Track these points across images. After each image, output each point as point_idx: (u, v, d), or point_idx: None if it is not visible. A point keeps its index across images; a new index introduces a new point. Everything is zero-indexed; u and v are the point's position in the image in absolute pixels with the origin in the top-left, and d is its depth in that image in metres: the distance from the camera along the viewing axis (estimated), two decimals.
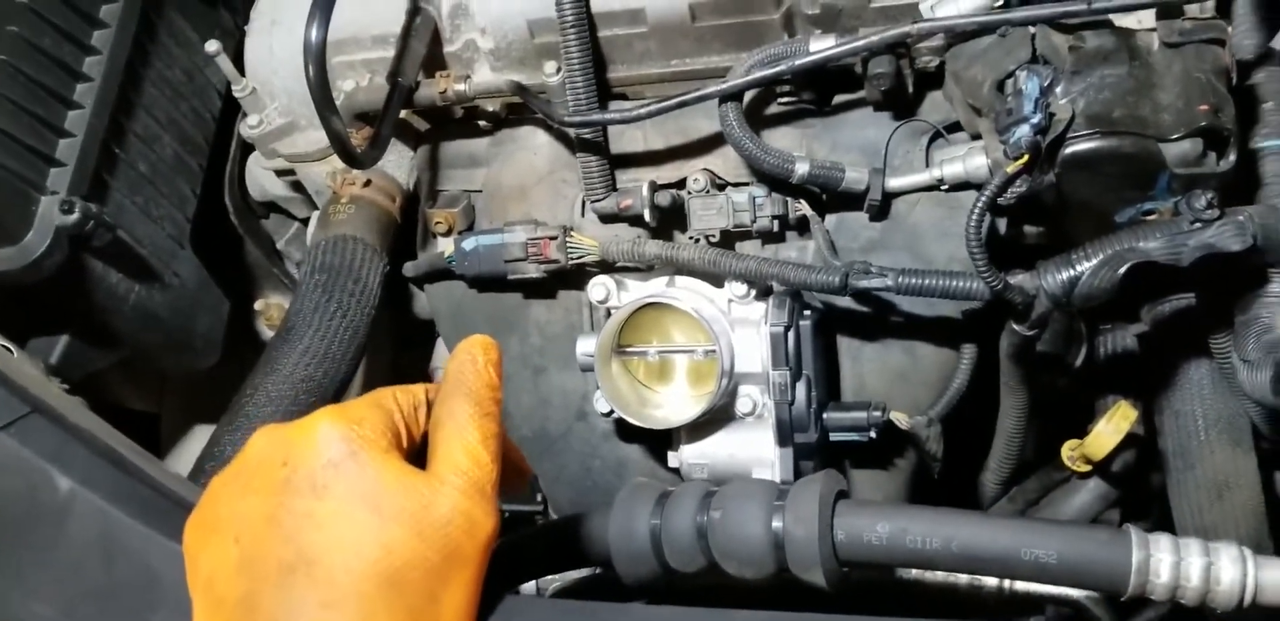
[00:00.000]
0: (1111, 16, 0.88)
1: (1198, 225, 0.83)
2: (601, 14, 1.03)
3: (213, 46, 1.12)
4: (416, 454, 0.63)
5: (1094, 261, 0.85)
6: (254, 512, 0.58)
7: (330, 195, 1.16)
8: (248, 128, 1.16)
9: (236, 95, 1.16)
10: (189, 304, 1.20)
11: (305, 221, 1.35)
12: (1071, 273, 0.85)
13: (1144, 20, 0.88)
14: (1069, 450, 1.04)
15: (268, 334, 1.41)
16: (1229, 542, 0.66)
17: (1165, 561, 0.65)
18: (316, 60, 0.90)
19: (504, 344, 1.09)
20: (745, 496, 0.70)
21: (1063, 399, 1.09)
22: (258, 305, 1.41)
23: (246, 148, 1.25)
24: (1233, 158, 0.84)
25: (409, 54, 1.06)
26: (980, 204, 0.84)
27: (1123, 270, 0.82)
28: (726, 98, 0.97)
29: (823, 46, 0.94)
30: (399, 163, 1.18)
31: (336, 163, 1.16)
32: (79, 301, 1.06)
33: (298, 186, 1.26)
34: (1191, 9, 0.86)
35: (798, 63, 0.94)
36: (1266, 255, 0.85)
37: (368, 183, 1.14)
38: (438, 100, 1.07)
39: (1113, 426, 0.97)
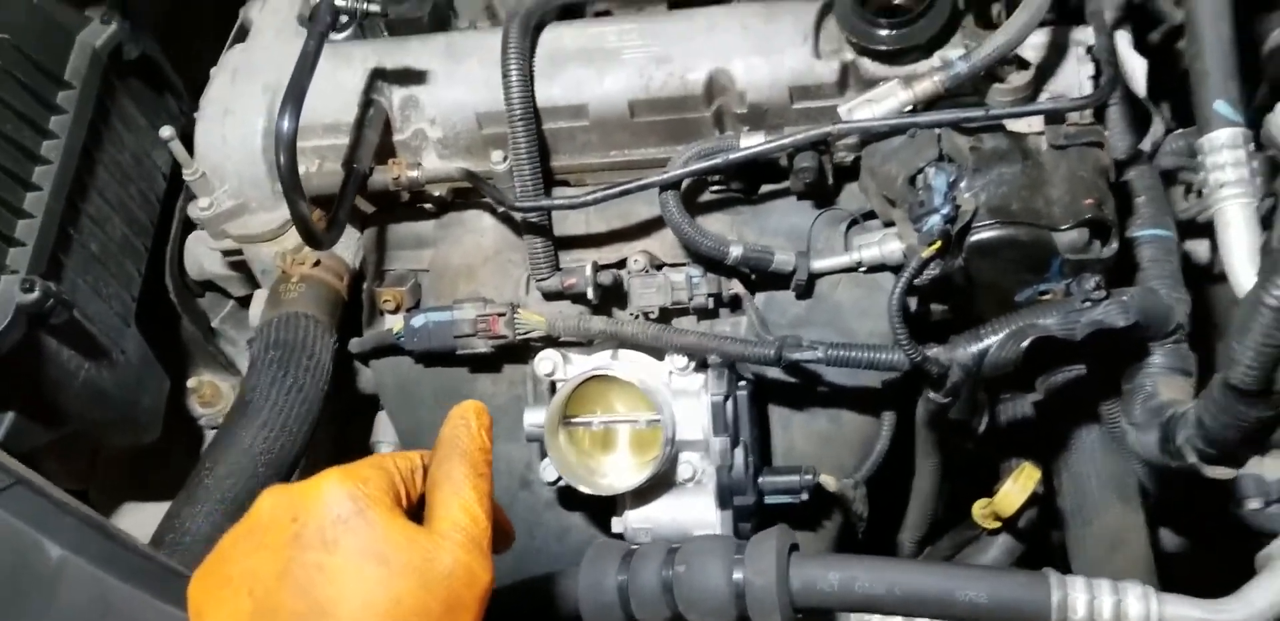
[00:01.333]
0: (1005, 121, 1.00)
1: (1088, 304, 0.94)
2: (547, 108, 1.12)
3: (166, 132, 1.17)
4: (412, 514, 0.68)
5: (1000, 336, 0.95)
6: (266, 567, 0.62)
7: (279, 275, 1.20)
8: (198, 209, 1.20)
9: (187, 179, 1.20)
10: (135, 380, 1.22)
11: (241, 300, 1.39)
12: (980, 346, 0.96)
13: (1033, 125, 1.00)
14: (979, 508, 1.13)
15: (199, 411, 1.42)
16: (1135, 582, 0.75)
17: (1080, 599, 0.74)
18: (288, 149, 0.96)
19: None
20: (707, 551, 0.77)
21: (971, 462, 1.18)
22: (190, 383, 1.42)
23: (187, 228, 1.29)
24: (1115, 245, 0.96)
25: (363, 142, 1.13)
26: (900, 284, 0.94)
27: (1026, 343, 0.93)
28: (666, 186, 1.06)
29: (753, 142, 1.05)
30: (345, 243, 1.23)
31: (285, 243, 1.21)
32: (29, 378, 1.08)
33: (237, 266, 1.31)
34: (1073, 116, 0.99)
35: (731, 157, 1.04)
36: (1147, 331, 0.96)
37: (317, 262, 1.19)
38: (391, 185, 1.13)
39: (1019, 486, 1.07)
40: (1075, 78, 1.02)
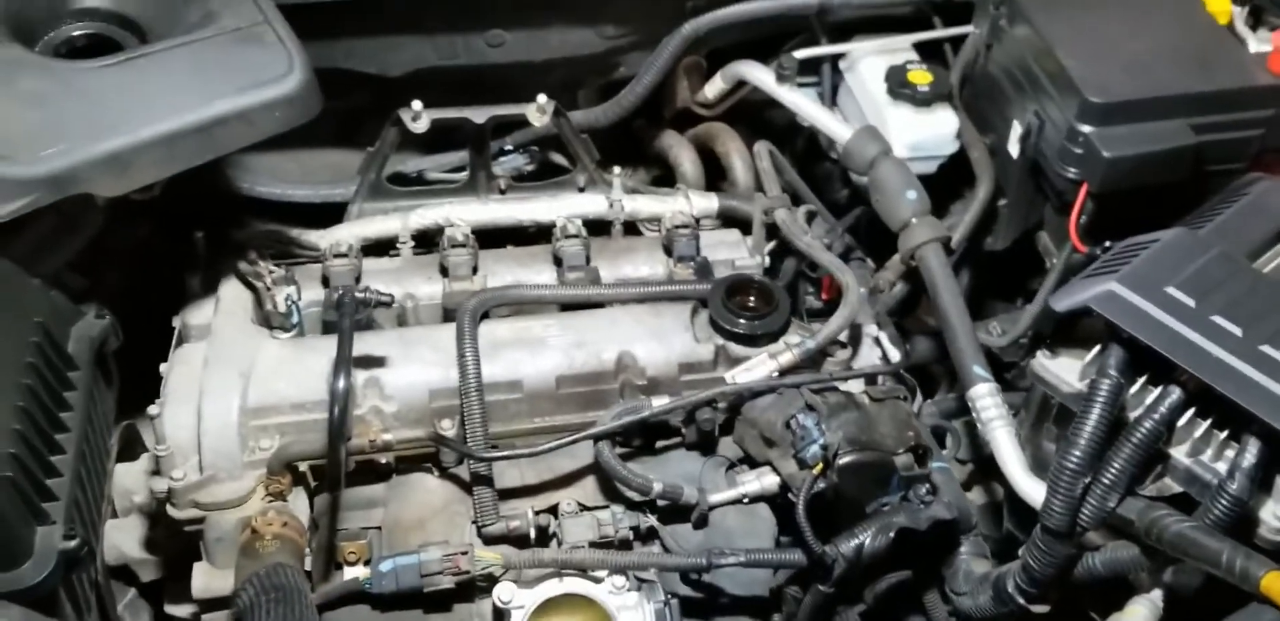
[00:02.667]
0: (837, 384, 1.43)
1: (922, 505, 1.33)
2: (488, 384, 1.41)
3: (154, 409, 1.35)
4: None
5: (870, 531, 1.31)
6: None
7: (249, 535, 1.34)
8: (170, 480, 1.34)
9: (158, 454, 1.35)
10: None
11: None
12: (857, 541, 1.30)
13: (855, 385, 1.44)
14: None
15: None
16: None
17: None
18: (341, 403, 1.19)
19: None
20: None
21: None
22: None
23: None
24: (931, 465, 1.38)
25: (347, 417, 1.36)
26: (803, 495, 1.28)
27: (892, 533, 1.29)
28: (600, 438, 1.37)
29: (662, 403, 1.40)
30: (303, 507, 1.40)
31: (247, 509, 1.37)
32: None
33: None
34: (883, 379, 1.44)
35: (646, 413, 1.38)
36: (959, 525, 1.36)
37: (285, 523, 1.36)
38: (367, 448, 1.35)
39: None
40: (872, 356, 1.49)
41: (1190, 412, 1.16)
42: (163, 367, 1.44)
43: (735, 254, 1.66)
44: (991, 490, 1.59)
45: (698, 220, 1.72)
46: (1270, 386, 1.09)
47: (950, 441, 1.58)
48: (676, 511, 1.40)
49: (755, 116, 1.96)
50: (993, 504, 1.56)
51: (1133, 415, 1.16)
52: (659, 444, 1.47)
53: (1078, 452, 1.13)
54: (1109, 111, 1.44)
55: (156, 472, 1.37)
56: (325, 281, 1.56)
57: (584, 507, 1.41)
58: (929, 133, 1.70)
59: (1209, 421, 1.15)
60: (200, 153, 1.28)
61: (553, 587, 1.32)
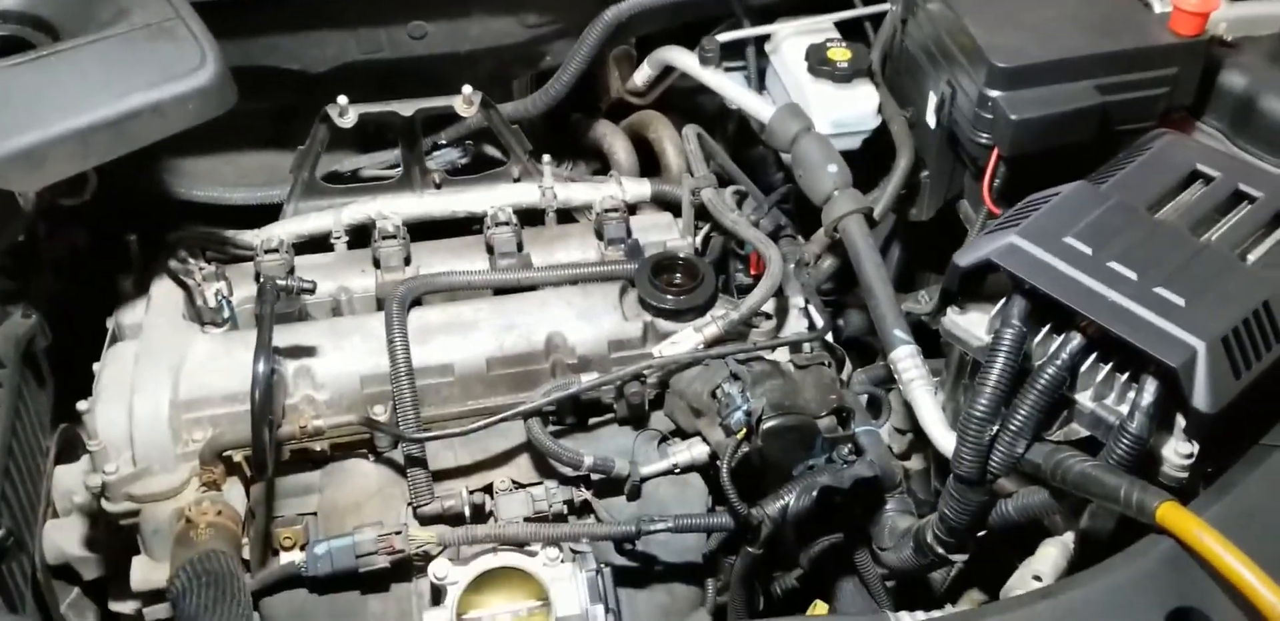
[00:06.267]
0: (763, 353, 1.45)
1: (845, 465, 1.35)
2: (419, 368, 1.43)
3: (84, 405, 1.36)
4: None
5: (794, 493, 1.32)
6: None
7: (184, 525, 1.35)
8: (103, 474, 1.35)
9: (90, 449, 1.36)
10: None
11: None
12: (782, 503, 1.32)
13: (781, 353, 1.46)
14: None
15: None
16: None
17: None
18: (263, 386, 1.21)
19: None
20: None
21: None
22: None
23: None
24: (854, 429, 1.40)
25: (274, 404, 1.37)
26: (726, 460, 1.30)
27: (815, 493, 1.31)
28: (530, 414, 1.39)
29: (590, 379, 1.41)
30: (239, 497, 1.41)
31: (182, 500, 1.38)
32: None
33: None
34: (805, 347, 1.46)
35: (574, 389, 1.40)
36: (883, 484, 1.38)
37: (219, 512, 1.37)
38: (298, 434, 1.37)
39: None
40: (799, 325, 1.51)
41: (1092, 357, 1.18)
42: (96, 366, 1.45)
43: (667, 236, 1.68)
44: (929, 457, 1.61)
45: (633, 207, 1.75)
46: (1164, 326, 1.11)
47: (885, 409, 1.60)
48: (610, 485, 1.42)
49: (687, 103, 1.99)
50: (929, 470, 1.58)
51: (1038, 364, 1.18)
52: (592, 421, 1.48)
53: (984, 401, 1.15)
54: (1015, 75, 1.46)
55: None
56: (258, 278, 1.57)
57: (518, 485, 1.43)
58: (850, 108, 1.72)
59: (1110, 365, 1.17)
60: (114, 146, 1.29)
61: (487, 562, 1.33)
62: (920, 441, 1.61)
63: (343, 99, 1.63)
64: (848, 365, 1.61)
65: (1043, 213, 1.25)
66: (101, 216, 1.65)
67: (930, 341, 1.44)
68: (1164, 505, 1.01)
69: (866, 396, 1.59)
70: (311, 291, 1.42)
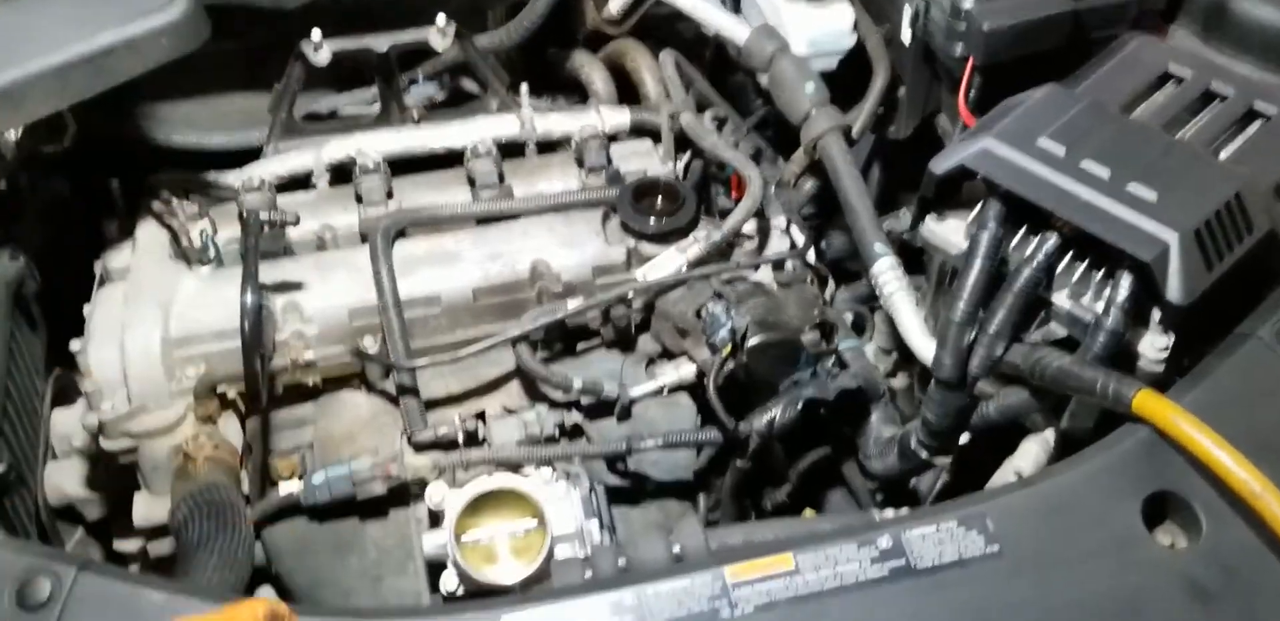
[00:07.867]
0: (746, 273, 1.46)
1: (829, 377, 1.37)
2: (405, 300, 1.44)
3: (76, 344, 1.37)
4: None
5: (780, 406, 1.34)
6: None
7: (182, 460, 1.38)
8: (100, 413, 1.37)
9: (85, 388, 1.38)
10: None
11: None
12: (769, 416, 1.34)
13: (764, 273, 1.47)
14: None
15: None
16: None
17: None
18: (252, 318, 1.22)
19: (346, 562, 1.38)
20: None
21: None
22: None
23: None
24: (838, 343, 1.41)
25: (265, 335, 1.39)
26: (712, 376, 1.32)
27: (800, 405, 1.33)
28: (518, 340, 1.40)
29: (576, 304, 1.43)
30: (235, 433, 1.44)
31: (178, 436, 1.40)
32: None
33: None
34: (789, 266, 1.47)
35: (560, 314, 1.41)
36: (867, 394, 1.40)
37: (216, 446, 1.39)
38: (290, 367, 1.39)
39: None
40: (781, 245, 1.51)
41: (1068, 257, 1.19)
42: (86, 309, 1.46)
43: (647, 162, 1.68)
44: (913, 375, 1.63)
45: (613, 136, 1.74)
46: (1137, 221, 1.12)
47: (869, 326, 1.61)
48: (601, 408, 1.44)
49: (664, 31, 1.97)
50: (913, 388, 1.60)
51: (1014, 266, 1.19)
52: (580, 346, 1.50)
53: (962, 303, 1.17)
54: None
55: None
56: (242, 216, 1.57)
57: (510, 411, 1.44)
58: (826, 27, 1.71)
59: (1085, 264, 1.18)
60: (92, 84, 1.29)
61: (482, 484, 1.36)
62: (905, 360, 1.64)
63: (316, 34, 1.62)
64: (830, 284, 1.62)
65: (1016, 116, 1.25)
66: (83, 165, 1.66)
67: (912, 260, 1.46)
68: (1140, 393, 1.03)
69: (851, 314, 1.60)
70: (295, 223, 1.43)
